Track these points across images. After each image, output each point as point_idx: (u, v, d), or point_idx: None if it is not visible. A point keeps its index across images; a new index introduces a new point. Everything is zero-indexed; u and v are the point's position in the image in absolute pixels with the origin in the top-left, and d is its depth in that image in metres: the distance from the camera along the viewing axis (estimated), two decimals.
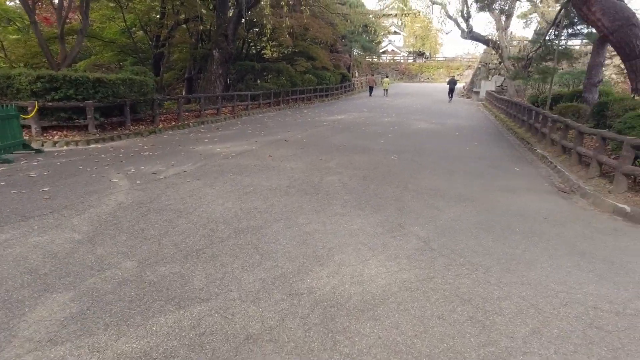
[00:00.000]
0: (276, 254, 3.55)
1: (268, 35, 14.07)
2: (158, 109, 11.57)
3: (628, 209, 5.24)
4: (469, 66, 51.46)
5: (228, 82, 15.68)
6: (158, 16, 16.44)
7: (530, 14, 27.83)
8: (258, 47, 24.29)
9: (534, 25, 28.00)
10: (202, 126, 12.33)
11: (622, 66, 25.13)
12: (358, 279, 3.17)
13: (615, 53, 14.56)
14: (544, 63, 14.38)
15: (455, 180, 6.52)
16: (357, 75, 38.44)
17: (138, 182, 5.64)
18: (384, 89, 30.17)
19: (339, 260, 3.48)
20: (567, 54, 14.03)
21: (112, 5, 15.56)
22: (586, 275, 3.44)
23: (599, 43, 12.77)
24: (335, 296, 2.92)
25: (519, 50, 24.12)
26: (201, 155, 7.64)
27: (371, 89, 29.88)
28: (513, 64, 23.84)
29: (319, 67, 25.12)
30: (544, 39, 14.45)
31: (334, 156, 7.91)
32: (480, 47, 32.42)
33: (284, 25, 16.14)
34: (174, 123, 11.88)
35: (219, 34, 14.42)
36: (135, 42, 16.63)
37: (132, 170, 6.30)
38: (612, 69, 23.80)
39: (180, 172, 6.26)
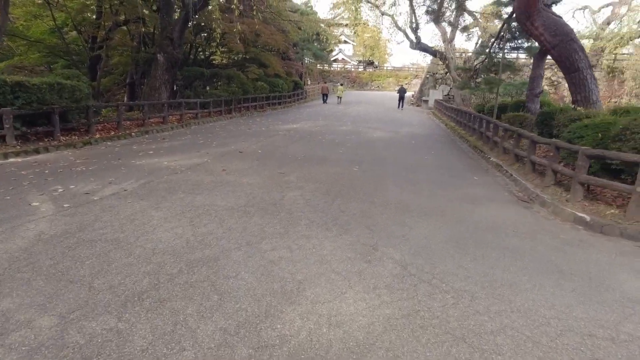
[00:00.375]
0: (238, 291, 3.01)
1: (218, 40, 13.36)
2: (94, 117, 10.42)
3: (588, 218, 5.32)
4: (416, 75, 53.61)
5: (175, 88, 14.69)
6: (94, 16, 15.06)
7: (471, 28, 29.49)
8: (207, 53, 23.29)
9: (475, 39, 29.71)
10: (146, 136, 11.31)
11: (553, 78, 27.21)
12: (336, 319, 2.73)
13: (547, 67, 15.62)
14: (489, 74, 15.06)
15: (420, 192, 6.33)
16: (309, 83, 38.40)
17: (66, 205, 4.78)
18: (338, 97, 30.33)
19: (312, 295, 3.02)
20: (510, 66, 14.80)
21: (38, 1, 13.98)
22: (570, 295, 3.27)
23: (539, 57, 13.57)
24: (312, 345, 2.45)
25: (464, 62, 25.34)
26: (145, 170, 6.82)
27: (325, 96, 30.16)
28: (459, 74, 25.06)
29: (271, 75, 24.61)
30: (489, 51, 15.15)
31: (293, 168, 7.45)
32: (427, 58, 33.74)
33: (234, 30, 15.48)
34: (113, 133, 10.75)
35: (164, 37, 13.46)
36: (68, 43, 15.07)
37: (59, 190, 5.39)
38: (545, 81, 25.78)
39: (119, 192, 5.46)
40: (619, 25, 28.37)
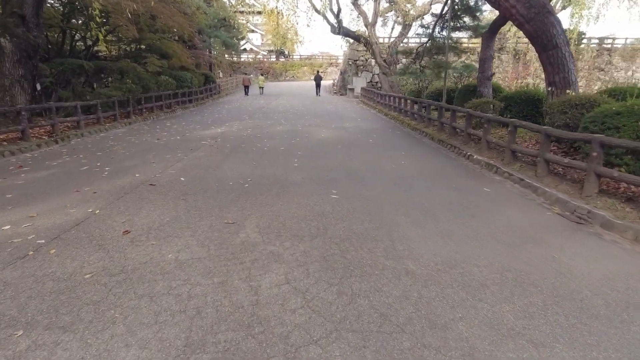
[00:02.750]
0: None
1: (98, 20, 9.57)
2: None
3: None
4: (331, 63, 52.48)
5: (38, 88, 10.42)
6: None
7: (387, 13, 28.56)
8: (89, 42, 18.36)
9: (390, 24, 28.87)
10: None
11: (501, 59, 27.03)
12: None
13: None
14: (433, 57, 13.61)
15: (455, 233, 4.11)
16: (221, 75, 34.42)
17: None
18: (260, 87, 30.35)
19: None
20: (455, 48, 13.50)
21: None
22: None
23: (488, 36, 12.40)
24: None
25: (388, 47, 24.15)
26: None
27: (247, 88, 29.66)
28: (392, 60, 23.81)
29: (176, 67, 20.54)
30: (431, 33, 13.67)
31: (244, 210, 4.68)
32: (337, 46, 32.38)
33: (124, 8, 11.63)
34: None
35: (8, 14, 9.19)
36: None
37: None
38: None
39: None
40: None
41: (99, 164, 7.07)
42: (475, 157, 8.21)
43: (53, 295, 2.72)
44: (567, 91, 8.11)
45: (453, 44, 13.12)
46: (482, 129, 8.53)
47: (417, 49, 14.60)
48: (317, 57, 56.61)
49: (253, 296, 2.80)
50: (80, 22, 16.75)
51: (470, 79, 14.70)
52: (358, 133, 11.54)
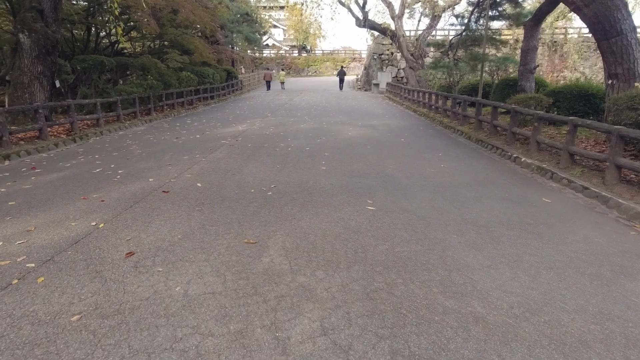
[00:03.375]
0: None
1: (116, 13, 9.15)
2: None
3: None
4: (354, 58, 51.40)
5: (57, 85, 10.12)
6: None
7: (414, 4, 27.36)
8: (114, 38, 18.22)
9: (417, 16, 27.62)
10: (6, 163, 6.99)
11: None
12: None
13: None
14: (470, 49, 12.59)
15: (516, 259, 3.33)
16: (243, 71, 34.10)
17: None
18: (281, 82, 30.65)
19: None
20: (494, 39, 12.44)
21: None
22: None
23: (531, 25, 11.31)
24: None
25: (416, 40, 23.05)
26: None
27: (268, 83, 29.73)
28: (411, 53, 22.75)
29: (198, 63, 20.21)
30: (467, 22, 12.65)
31: (268, 225, 4.03)
32: (360, 41, 31.51)
33: (141, 2, 11.20)
34: None
35: (28, 8, 8.87)
36: None
37: None
38: None
39: None
40: None
41: (112, 165, 6.59)
42: (523, 159, 7.30)
43: (26, 349, 2.13)
44: (636, 84, 7.06)
45: (492, 35, 12.06)
46: (532, 128, 7.59)
47: (450, 41, 13.60)
48: (339, 52, 55.60)
49: (280, 356, 2.13)
50: (105, 19, 16.58)
51: (509, 73, 13.59)
52: (387, 132, 10.74)
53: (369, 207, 4.60)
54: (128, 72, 15.71)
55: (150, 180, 5.55)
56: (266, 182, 5.57)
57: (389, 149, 8.30)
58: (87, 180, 5.63)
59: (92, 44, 16.48)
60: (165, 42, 18.49)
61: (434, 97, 14.77)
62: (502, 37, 13.20)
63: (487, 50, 13.26)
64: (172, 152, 7.74)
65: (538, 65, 11.48)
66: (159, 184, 5.38)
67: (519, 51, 13.13)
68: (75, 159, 7.28)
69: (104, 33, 17.73)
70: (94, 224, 3.92)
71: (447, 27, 25.24)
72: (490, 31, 11.97)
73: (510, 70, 14.08)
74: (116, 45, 18.56)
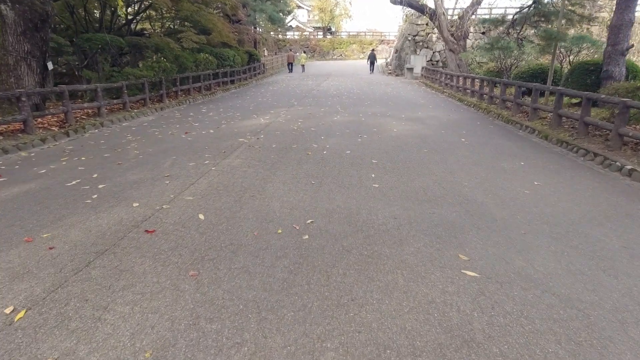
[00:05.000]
0: None
1: None
2: None
3: None
4: (382, 41, 48.53)
5: (50, 67, 8.60)
6: None
7: None
8: (130, 17, 16.71)
9: None
10: None
11: None
12: None
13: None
14: (540, 26, 10.33)
15: None
16: (266, 54, 32.27)
17: None
18: (302, 65, 29.86)
19: None
20: (573, 12, 10.11)
21: None
22: None
23: None
24: None
25: (459, 18, 20.53)
26: None
27: (290, 65, 29.02)
28: (452, 34, 20.29)
29: (217, 44, 18.50)
30: None
31: (309, 316, 2.32)
32: (386, 22, 29.02)
33: None
34: None
35: None
36: None
37: None
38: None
39: None
40: None
41: (95, 175, 5.01)
42: (628, 167, 5.31)
43: None
44: None
45: (571, 6, 9.76)
46: None
47: (513, 17, 11.32)
48: (365, 34, 52.68)
49: None
50: None
51: (581, 55, 11.25)
52: (440, 127, 8.79)
53: (467, 273, 2.81)
54: (138, 54, 14.17)
55: (134, 205, 3.91)
56: (299, 211, 3.85)
57: (453, 153, 6.40)
58: (51, 202, 4.05)
59: (111, 24, 15.00)
60: (180, 19, 16.83)
61: (485, 84, 12.58)
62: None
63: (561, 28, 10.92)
64: (176, 154, 6.10)
65: (632, 45, 9.18)
66: (145, 213, 3.73)
67: (598, 28, 10.77)
68: (55, 162, 5.75)
69: (119, 13, 16.21)
70: (7, 312, 2.30)
71: (489, 6, 22.46)
72: (568, 1, 9.67)
73: (584, 52, 11.70)
74: (132, 24, 17.08)
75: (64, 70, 12.83)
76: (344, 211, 3.87)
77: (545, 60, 12.85)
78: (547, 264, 2.98)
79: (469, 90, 14.15)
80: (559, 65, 11.70)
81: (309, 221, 3.61)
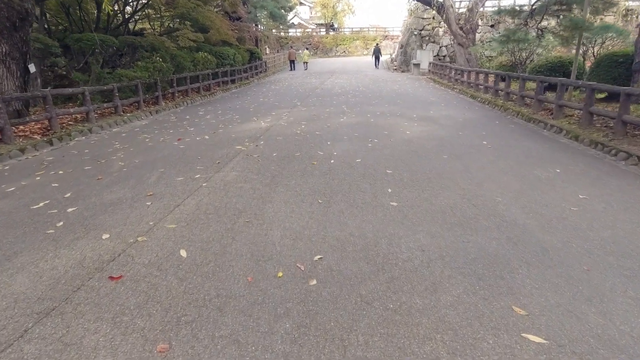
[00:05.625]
0: None
1: None
2: None
3: None
4: (385, 36, 47.59)
5: (32, 70, 7.94)
6: None
7: None
8: (127, 16, 16.03)
9: None
10: None
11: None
12: None
13: None
14: (561, 14, 9.52)
15: None
16: (268, 52, 31.54)
17: None
18: (305, 62, 28.86)
19: None
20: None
21: None
22: None
23: None
24: None
25: (467, 10, 19.67)
26: None
27: (292, 63, 28.20)
28: (460, 27, 19.45)
29: (216, 42, 17.84)
30: None
31: None
32: (389, 17, 28.20)
33: None
34: None
35: None
36: None
37: None
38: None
39: None
40: None
41: (68, 194, 4.33)
42: None
43: None
44: None
45: None
46: None
47: (532, 6, 10.50)
48: (367, 29, 51.67)
49: None
50: None
51: (605, 47, 10.42)
52: (456, 128, 8.04)
53: (530, 337, 2.10)
54: (133, 54, 13.51)
55: (103, 237, 3.22)
56: (303, 242, 3.14)
57: (476, 160, 5.67)
58: (8, 233, 3.38)
59: (105, 23, 14.34)
60: (176, 16, 16.15)
61: (500, 79, 11.77)
62: None
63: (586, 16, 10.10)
64: (164, 166, 5.42)
65: None
66: (115, 249, 3.04)
67: (613, 18, 9.93)
68: (29, 177, 5.09)
69: (118, 12, 15.54)
70: None
71: None
72: None
73: (608, 43, 10.86)
74: (130, 24, 16.42)
75: (64, 72, 12.20)
76: (359, 241, 3.17)
77: (561, 52, 12.02)
78: (630, 320, 2.26)
79: (481, 86, 13.36)
80: (581, 58, 10.87)
81: (316, 257, 2.91)
